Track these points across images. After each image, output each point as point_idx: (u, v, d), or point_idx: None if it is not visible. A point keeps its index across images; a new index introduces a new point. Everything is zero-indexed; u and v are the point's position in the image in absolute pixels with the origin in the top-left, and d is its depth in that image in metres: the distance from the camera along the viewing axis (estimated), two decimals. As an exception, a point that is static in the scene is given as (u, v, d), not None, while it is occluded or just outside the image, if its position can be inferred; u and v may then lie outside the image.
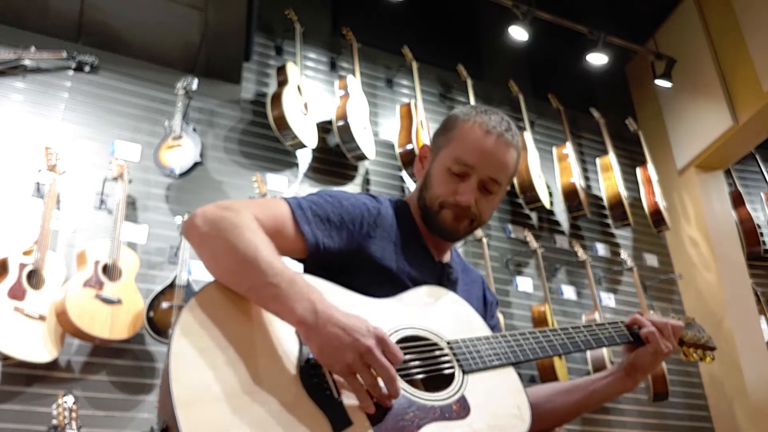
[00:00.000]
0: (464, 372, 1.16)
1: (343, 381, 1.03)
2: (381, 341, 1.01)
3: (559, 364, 3.75)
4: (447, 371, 1.16)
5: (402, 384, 1.08)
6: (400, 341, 1.16)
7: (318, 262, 1.25)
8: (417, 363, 1.15)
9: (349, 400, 1.02)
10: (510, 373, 1.22)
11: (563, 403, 1.40)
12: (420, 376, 1.15)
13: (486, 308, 1.51)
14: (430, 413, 1.07)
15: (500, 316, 3.79)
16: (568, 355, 3.74)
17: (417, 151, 3.31)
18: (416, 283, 1.30)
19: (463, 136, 1.35)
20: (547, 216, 4.61)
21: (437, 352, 1.18)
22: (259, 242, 1.09)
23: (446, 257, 1.46)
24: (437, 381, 1.15)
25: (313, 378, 1.03)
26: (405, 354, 1.13)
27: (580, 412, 1.41)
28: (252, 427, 0.95)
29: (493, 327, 1.49)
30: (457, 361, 1.17)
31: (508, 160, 1.35)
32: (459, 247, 4.01)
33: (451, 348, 1.19)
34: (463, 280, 1.47)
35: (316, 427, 0.98)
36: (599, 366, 3.85)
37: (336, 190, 1.36)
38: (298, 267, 1.32)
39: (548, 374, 3.70)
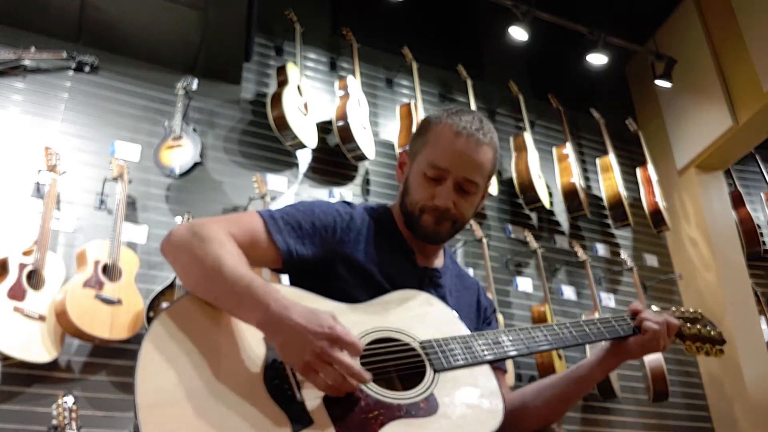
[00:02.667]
0: (435, 371, 1.17)
1: (305, 380, 1.05)
2: (335, 338, 1.02)
3: (559, 364, 3.75)
4: (418, 371, 1.17)
5: (369, 384, 1.10)
6: (371, 343, 1.17)
7: (297, 271, 1.29)
8: (386, 364, 1.16)
9: (310, 399, 1.05)
10: (484, 371, 1.22)
11: (553, 396, 1.40)
12: (387, 376, 1.16)
13: (479, 314, 1.51)
14: (395, 411, 1.08)
15: (500, 317, 3.79)
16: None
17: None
18: (395, 285, 1.31)
19: (435, 140, 1.36)
20: (547, 216, 4.61)
21: (409, 353, 1.19)
22: (224, 253, 1.13)
23: (436, 262, 1.46)
24: (414, 382, 1.15)
25: (274, 379, 1.06)
26: (375, 355, 1.15)
27: (570, 401, 1.42)
28: (211, 427, 0.98)
29: None
30: (429, 360, 1.18)
31: (481, 159, 1.35)
32: (459, 247, 4.01)
33: (423, 348, 1.20)
34: (455, 286, 1.47)
35: (275, 426, 1.01)
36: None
37: (310, 200, 1.38)
38: (284, 279, 1.35)
39: (548, 374, 3.69)
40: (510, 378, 3.59)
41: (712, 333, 1.55)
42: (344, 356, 1.02)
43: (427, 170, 1.34)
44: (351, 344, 1.03)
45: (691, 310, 1.58)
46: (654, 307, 1.53)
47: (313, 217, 1.30)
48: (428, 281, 1.40)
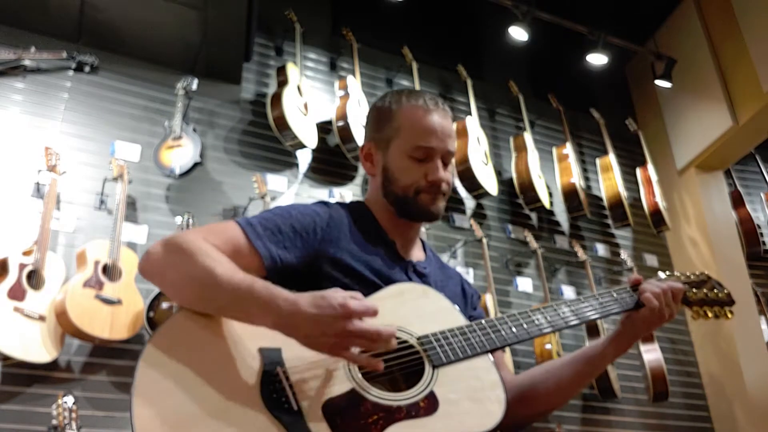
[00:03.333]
0: (434, 366, 1.15)
1: (303, 391, 1.05)
2: (349, 314, 1.03)
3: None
4: (417, 368, 1.15)
5: (366, 386, 1.09)
6: None
7: (281, 276, 1.26)
8: (386, 364, 1.13)
9: (308, 408, 1.04)
10: (484, 362, 1.20)
11: (563, 377, 1.37)
12: (390, 376, 1.15)
13: (466, 302, 1.50)
14: (395, 413, 1.06)
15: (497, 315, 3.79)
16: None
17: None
18: (383, 278, 1.30)
19: (411, 123, 1.40)
20: (547, 216, 4.61)
21: (407, 350, 1.17)
22: (214, 263, 1.11)
23: (417, 254, 1.46)
24: (416, 379, 1.14)
25: (272, 392, 1.05)
26: (372, 356, 1.13)
27: (581, 383, 1.39)
28: None
29: (477, 318, 1.48)
30: (427, 356, 1.16)
31: (452, 130, 1.44)
32: (459, 247, 4.01)
33: (421, 344, 1.18)
34: (439, 276, 1.47)
35: None
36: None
37: (287, 204, 1.37)
38: None
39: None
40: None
41: (720, 295, 1.51)
42: (364, 325, 1.03)
43: (412, 153, 1.38)
44: (365, 310, 1.04)
45: (697, 273, 1.54)
46: (661, 274, 1.49)
47: (292, 220, 1.28)
48: (413, 272, 1.40)
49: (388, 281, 1.30)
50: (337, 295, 1.05)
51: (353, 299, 1.04)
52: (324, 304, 1.04)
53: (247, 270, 1.23)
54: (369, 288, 1.27)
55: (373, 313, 1.05)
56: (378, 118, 1.46)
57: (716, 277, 4.80)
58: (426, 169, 1.37)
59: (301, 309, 1.04)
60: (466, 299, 1.51)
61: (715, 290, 1.51)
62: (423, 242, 1.52)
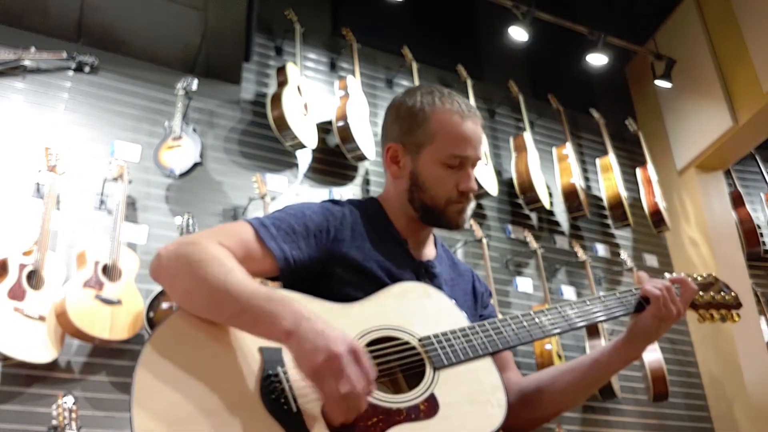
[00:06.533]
0: (435, 368, 1.14)
1: (303, 392, 1.04)
2: (353, 352, 0.99)
3: (559, 364, 3.75)
4: (418, 370, 1.14)
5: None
6: (370, 344, 1.15)
7: (293, 276, 1.25)
8: (387, 365, 1.13)
9: (307, 411, 1.03)
10: (486, 364, 1.19)
11: (569, 382, 1.35)
12: (392, 377, 1.14)
13: (476, 300, 1.49)
14: (394, 416, 1.06)
15: (500, 317, 3.79)
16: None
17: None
18: (394, 279, 1.29)
19: (446, 130, 1.35)
20: (547, 216, 4.61)
21: (409, 351, 1.16)
22: (227, 270, 1.09)
23: (429, 252, 1.44)
24: (418, 380, 1.13)
25: (271, 393, 1.04)
26: (375, 357, 1.12)
27: (588, 388, 1.36)
28: None
29: (488, 317, 1.47)
30: (428, 357, 1.15)
31: (483, 135, 1.41)
32: (459, 247, 4.01)
33: (422, 345, 1.17)
34: (450, 275, 1.45)
35: None
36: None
37: (299, 202, 1.35)
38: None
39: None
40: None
41: (727, 297, 1.48)
42: (354, 371, 0.98)
43: (447, 161, 1.34)
44: (366, 365, 0.99)
45: (704, 275, 1.51)
46: (667, 275, 1.45)
47: (305, 219, 1.27)
48: (424, 273, 1.38)
49: (398, 282, 1.29)
50: (349, 335, 1.02)
51: (365, 350, 1.01)
52: (336, 331, 1.00)
53: (261, 271, 1.22)
54: (379, 288, 1.26)
55: (369, 378, 0.99)
56: (408, 119, 1.38)
57: (716, 277, 4.68)
58: (458, 177, 1.34)
59: (311, 324, 1.01)
60: (477, 297, 1.49)
61: (722, 293, 1.49)
62: (435, 237, 1.50)
